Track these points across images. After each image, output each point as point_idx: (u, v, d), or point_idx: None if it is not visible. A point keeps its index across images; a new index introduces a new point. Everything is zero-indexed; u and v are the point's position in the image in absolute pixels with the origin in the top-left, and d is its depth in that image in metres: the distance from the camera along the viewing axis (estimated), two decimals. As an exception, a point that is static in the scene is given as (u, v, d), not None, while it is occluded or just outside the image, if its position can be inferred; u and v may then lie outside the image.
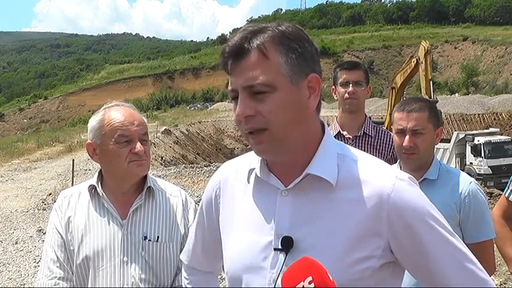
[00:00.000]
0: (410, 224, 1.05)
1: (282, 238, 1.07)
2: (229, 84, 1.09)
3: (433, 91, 16.00)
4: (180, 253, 1.57)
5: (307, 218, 1.08)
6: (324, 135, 1.14)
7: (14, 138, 32.01)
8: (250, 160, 1.20)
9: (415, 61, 16.43)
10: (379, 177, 1.08)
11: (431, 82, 15.67)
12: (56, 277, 1.63)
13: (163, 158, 20.98)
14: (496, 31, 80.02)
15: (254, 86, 1.04)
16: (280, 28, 1.07)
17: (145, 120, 1.74)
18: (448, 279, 1.06)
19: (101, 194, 1.69)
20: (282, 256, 1.07)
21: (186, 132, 29.62)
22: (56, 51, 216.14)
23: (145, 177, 1.72)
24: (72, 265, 1.64)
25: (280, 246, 1.07)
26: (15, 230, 8.58)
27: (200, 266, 1.40)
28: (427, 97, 15.45)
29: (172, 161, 21.32)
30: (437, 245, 1.06)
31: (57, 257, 1.65)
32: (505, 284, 5.21)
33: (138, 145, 1.63)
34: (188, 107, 56.77)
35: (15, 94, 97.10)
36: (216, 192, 1.27)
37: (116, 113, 1.66)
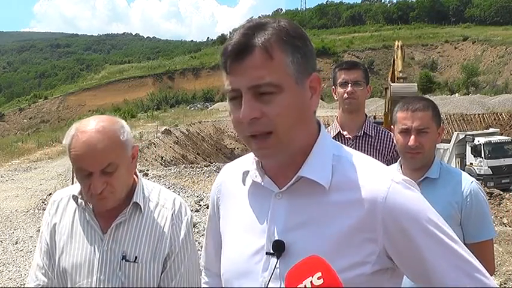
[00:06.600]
0: (406, 228, 1.00)
1: (274, 242, 1.05)
2: (228, 84, 1.01)
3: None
4: (161, 273, 1.54)
5: (299, 222, 1.05)
6: (319, 135, 1.10)
7: (14, 138, 31.94)
8: (247, 162, 1.17)
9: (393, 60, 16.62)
10: (374, 180, 1.03)
11: (400, 73, 15.69)
12: (39, 285, 1.60)
13: (163, 158, 20.96)
14: (496, 31, 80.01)
15: (261, 86, 0.97)
16: (282, 25, 1.01)
17: (121, 139, 1.48)
18: (446, 286, 1.00)
19: (82, 206, 1.57)
20: (273, 260, 1.05)
21: (186, 132, 29.57)
22: (56, 51, 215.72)
23: (133, 190, 1.58)
24: (54, 273, 1.59)
25: (271, 251, 1.05)
26: (15, 230, 8.58)
27: (214, 268, 1.37)
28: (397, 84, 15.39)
29: (172, 161, 21.30)
30: (435, 251, 1.00)
31: (43, 263, 1.61)
32: (505, 284, 5.20)
33: (94, 183, 1.43)
34: (188, 107, 56.65)
35: (15, 94, 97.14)
36: (216, 196, 1.26)
37: (79, 139, 1.45)
